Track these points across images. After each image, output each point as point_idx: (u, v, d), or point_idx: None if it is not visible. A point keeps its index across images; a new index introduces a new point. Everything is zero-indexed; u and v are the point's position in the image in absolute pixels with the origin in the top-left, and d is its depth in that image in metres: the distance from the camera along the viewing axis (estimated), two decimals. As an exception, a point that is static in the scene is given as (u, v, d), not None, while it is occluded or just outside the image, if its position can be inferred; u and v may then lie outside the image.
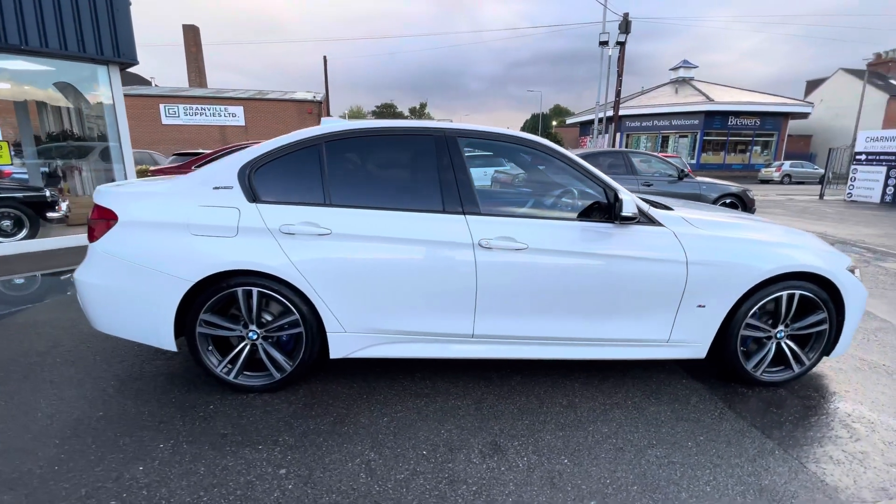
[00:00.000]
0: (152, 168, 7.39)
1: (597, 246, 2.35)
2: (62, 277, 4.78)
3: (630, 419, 2.30)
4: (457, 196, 2.35)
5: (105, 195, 2.34)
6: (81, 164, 7.14)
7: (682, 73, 32.40)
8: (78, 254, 5.75)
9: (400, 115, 63.42)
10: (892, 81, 31.54)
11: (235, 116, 25.58)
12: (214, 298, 2.27)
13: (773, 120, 28.18)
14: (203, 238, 2.23)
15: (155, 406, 2.30)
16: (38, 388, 2.46)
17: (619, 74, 15.87)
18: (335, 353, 2.40)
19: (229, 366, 2.39)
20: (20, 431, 2.08)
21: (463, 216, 2.33)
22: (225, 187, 2.30)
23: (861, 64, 32.73)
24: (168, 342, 2.32)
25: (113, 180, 6.61)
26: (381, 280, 2.28)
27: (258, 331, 2.36)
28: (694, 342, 2.54)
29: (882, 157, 14.25)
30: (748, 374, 2.61)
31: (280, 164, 2.36)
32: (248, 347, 2.38)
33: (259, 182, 2.32)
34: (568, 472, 1.90)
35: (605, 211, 2.43)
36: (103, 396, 2.39)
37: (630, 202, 2.31)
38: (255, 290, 2.27)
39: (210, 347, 2.39)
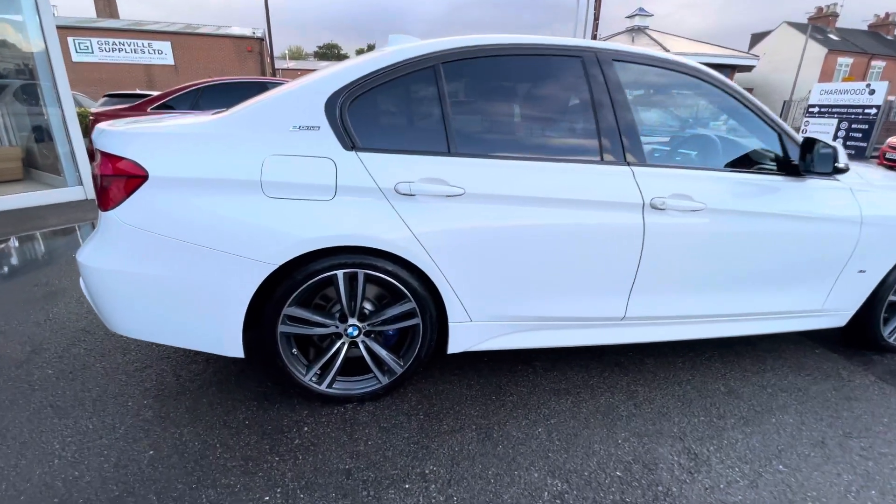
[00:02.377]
0: (93, 110, 6.03)
1: (777, 204, 1.93)
2: (3, 247, 3.74)
3: (801, 403, 2.00)
4: (618, 141, 1.80)
5: (115, 139, 1.56)
6: (-7, 105, 5.65)
7: (637, 21, 32.07)
8: (15, 219, 4.59)
9: (345, 58, 58.96)
10: (831, 36, 33.19)
11: (162, 54, 22.32)
12: (305, 286, 1.63)
13: (723, 72, 28.88)
14: (285, 202, 1.55)
15: (225, 434, 1.68)
16: (38, 419, 1.74)
17: (596, 18, 15.24)
18: (455, 346, 1.87)
19: (319, 372, 1.80)
20: (41, 495, 1.41)
21: (627, 167, 1.80)
22: (308, 127, 1.60)
23: (803, 17, 33.99)
24: (234, 347, 1.68)
25: (47, 128, 5.28)
26: (522, 254, 1.73)
27: (360, 325, 1.77)
28: (842, 310, 2.27)
29: (834, 109, 14.95)
30: (884, 340, 2.39)
31: (381, 95, 1.68)
32: (345, 347, 1.79)
33: (355, 120, 1.63)
34: (795, 483, 1.56)
35: (778, 162, 2.00)
36: (141, 424, 1.73)
37: (842, 151, 1.89)
38: (360, 272, 1.66)
39: (294, 351, 1.78)
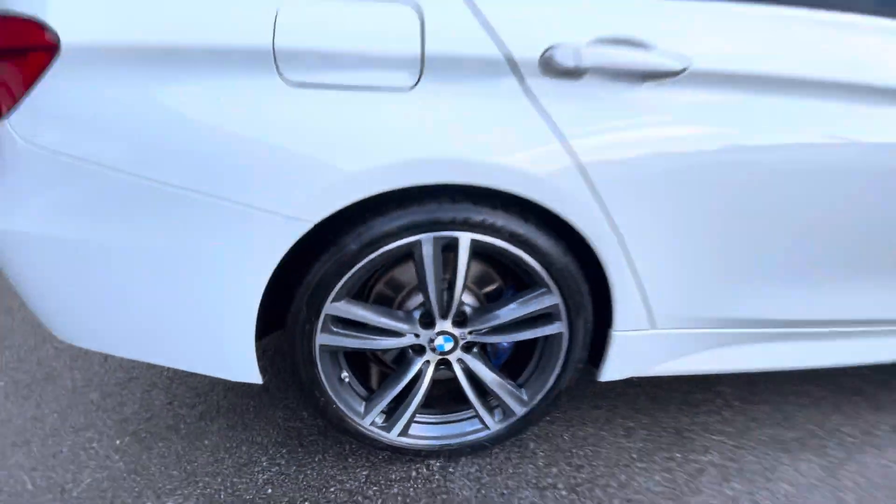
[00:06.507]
0: None
1: None
2: None
3: None
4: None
5: None
6: None
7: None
8: None
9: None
10: None
11: None
12: (361, 264, 0.87)
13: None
14: (322, 95, 0.77)
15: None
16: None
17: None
18: (616, 369, 1.06)
19: (387, 410, 1.05)
20: None
21: None
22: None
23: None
24: (245, 368, 0.95)
25: None
26: (796, 201, 0.90)
27: (456, 332, 0.99)
28: None
29: None
30: None
31: None
32: (430, 370, 1.03)
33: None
34: None
35: None
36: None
37: None
38: (464, 238, 0.87)
39: (345, 375, 1.03)
